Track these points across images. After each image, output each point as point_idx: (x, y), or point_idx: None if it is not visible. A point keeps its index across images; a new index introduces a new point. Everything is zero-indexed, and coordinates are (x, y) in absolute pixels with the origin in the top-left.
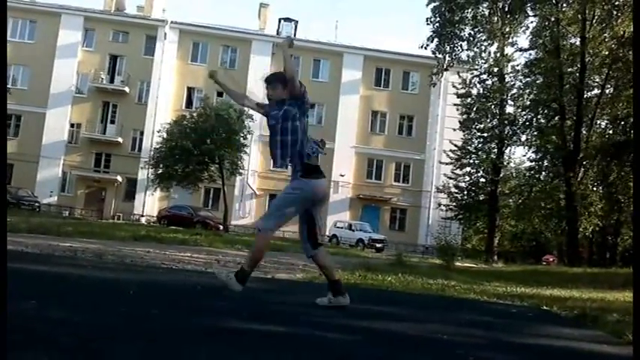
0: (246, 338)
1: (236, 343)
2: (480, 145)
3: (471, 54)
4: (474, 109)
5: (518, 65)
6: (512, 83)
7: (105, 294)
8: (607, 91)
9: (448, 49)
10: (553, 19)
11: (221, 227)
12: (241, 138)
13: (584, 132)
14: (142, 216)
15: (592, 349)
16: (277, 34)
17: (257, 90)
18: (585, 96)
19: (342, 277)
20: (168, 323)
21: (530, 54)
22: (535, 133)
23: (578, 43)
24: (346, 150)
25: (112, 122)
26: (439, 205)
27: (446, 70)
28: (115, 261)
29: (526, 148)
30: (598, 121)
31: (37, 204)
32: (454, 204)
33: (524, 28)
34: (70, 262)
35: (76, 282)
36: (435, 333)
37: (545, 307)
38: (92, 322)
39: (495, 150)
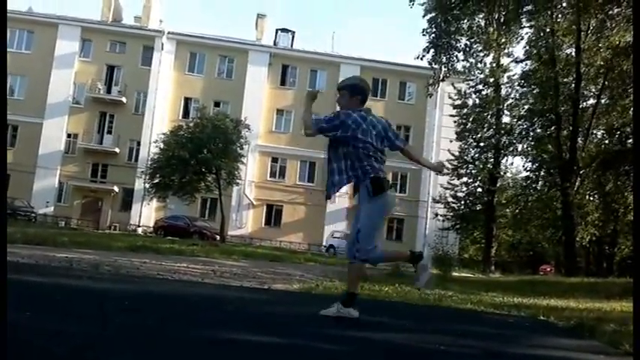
0: (242, 349)
1: (232, 354)
2: (476, 155)
3: (467, 64)
4: (471, 119)
5: (514, 75)
6: (508, 93)
7: (101, 305)
8: (603, 101)
9: (444, 59)
10: (548, 29)
11: (218, 237)
12: (238, 148)
13: (580, 142)
14: (139, 226)
15: None
16: (274, 44)
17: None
18: (581, 106)
19: (339, 288)
20: (163, 334)
21: (526, 64)
22: (531, 142)
23: (573, 53)
24: None
25: (109, 132)
26: (436, 215)
27: (442, 80)
28: (111, 272)
29: (523, 157)
30: (594, 131)
31: (33, 214)
32: (451, 214)
33: (519, 39)
34: (66, 273)
35: (72, 293)
36: (432, 343)
37: (542, 317)
38: (87, 333)
39: (492, 160)
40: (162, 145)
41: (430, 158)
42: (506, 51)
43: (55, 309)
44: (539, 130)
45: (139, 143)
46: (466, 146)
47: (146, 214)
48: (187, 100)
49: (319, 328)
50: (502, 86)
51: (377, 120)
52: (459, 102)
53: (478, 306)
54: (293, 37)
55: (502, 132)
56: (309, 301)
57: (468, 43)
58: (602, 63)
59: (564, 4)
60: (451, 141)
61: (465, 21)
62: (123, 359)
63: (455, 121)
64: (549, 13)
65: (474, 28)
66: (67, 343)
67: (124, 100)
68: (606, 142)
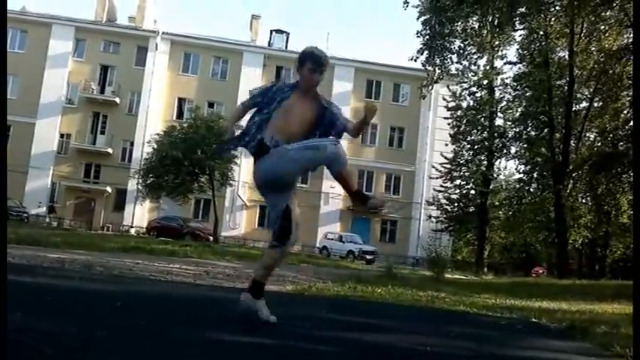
0: (233, 350)
1: (223, 356)
2: (470, 158)
3: (461, 67)
4: (464, 121)
5: (507, 78)
6: (501, 96)
7: (92, 306)
8: (595, 103)
9: (438, 61)
10: (541, 32)
11: (211, 238)
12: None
13: (572, 144)
14: (132, 227)
15: None
16: (269, 45)
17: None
18: (574, 109)
19: (331, 289)
20: (155, 335)
21: (520, 67)
22: (524, 145)
23: (566, 56)
24: None
25: (102, 133)
26: (429, 217)
27: (436, 82)
28: (104, 272)
29: (516, 160)
30: (586, 134)
31: (25, 214)
32: (444, 216)
33: (512, 41)
34: (58, 274)
35: (64, 293)
36: (424, 345)
37: (534, 319)
38: (79, 334)
39: (485, 162)
40: (155, 146)
41: (424, 160)
42: (499, 53)
43: (46, 309)
44: (532, 133)
45: (132, 144)
46: (459, 149)
47: (139, 214)
48: (181, 101)
49: (312, 330)
50: (495, 89)
51: None
52: (452, 104)
53: (470, 308)
54: (287, 38)
55: (495, 134)
56: (301, 302)
57: (462, 45)
58: (594, 66)
59: (557, 7)
60: (446, 144)
61: (459, 23)
62: (114, 359)
63: (449, 124)
64: (542, 15)
65: (468, 31)
66: (58, 344)
67: (117, 100)
68: (598, 144)
